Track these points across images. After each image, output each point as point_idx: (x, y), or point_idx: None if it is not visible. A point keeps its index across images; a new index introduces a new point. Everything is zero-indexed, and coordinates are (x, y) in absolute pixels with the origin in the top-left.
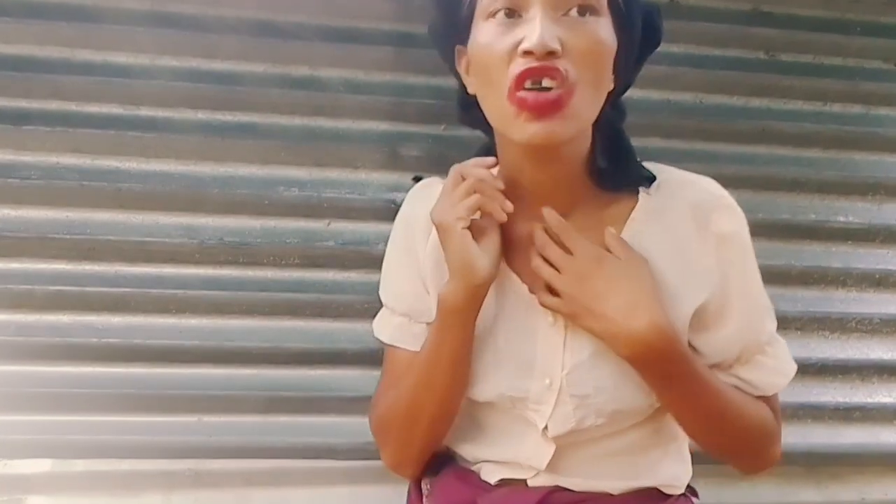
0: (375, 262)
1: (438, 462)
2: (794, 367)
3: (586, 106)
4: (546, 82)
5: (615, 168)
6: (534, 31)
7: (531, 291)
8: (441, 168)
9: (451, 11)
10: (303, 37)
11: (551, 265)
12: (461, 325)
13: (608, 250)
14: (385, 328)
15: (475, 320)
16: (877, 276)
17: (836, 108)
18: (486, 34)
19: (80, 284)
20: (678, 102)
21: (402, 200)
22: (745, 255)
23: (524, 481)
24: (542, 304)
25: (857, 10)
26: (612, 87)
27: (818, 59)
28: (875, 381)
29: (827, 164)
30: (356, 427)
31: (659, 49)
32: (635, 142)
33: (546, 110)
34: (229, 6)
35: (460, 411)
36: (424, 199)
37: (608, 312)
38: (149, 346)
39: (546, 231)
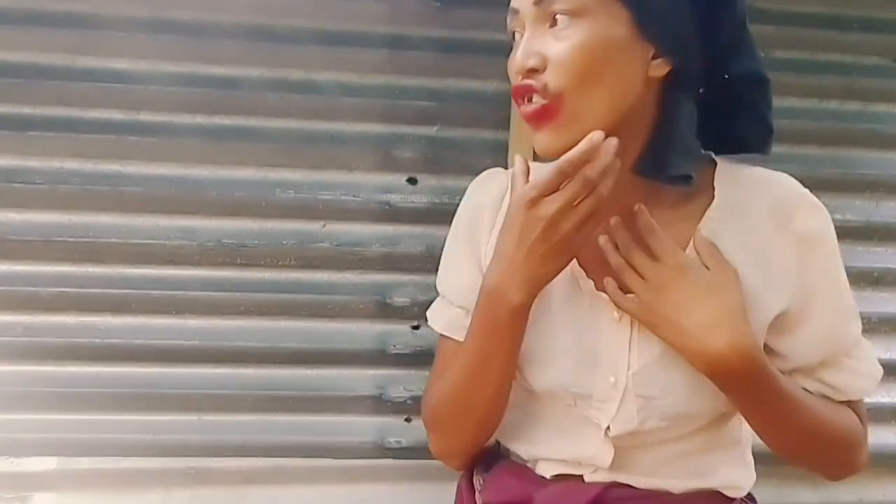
0: (370, 263)
1: (491, 458)
2: (881, 370)
3: (587, 109)
4: (535, 98)
5: (660, 162)
6: (520, 48)
7: (598, 288)
8: (435, 169)
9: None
10: (298, 41)
11: (633, 268)
12: (518, 323)
13: (695, 252)
14: (440, 318)
15: (528, 312)
16: (875, 274)
17: (834, 104)
18: (510, 56)
19: (83, 286)
20: None
21: (396, 201)
22: (828, 255)
23: (581, 476)
24: (619, 307)
25: (854, 6)
26: (661, 71)
27: (815, 56)
28: None
29: (824, 161)
30: (353, 426)
31: None
32: None
33: (537, 121)
34: (226, 12)
35: (516, 409)
36: (489, 190)
37: (689, 328)
38: (149, 346)
39: (623, 229)
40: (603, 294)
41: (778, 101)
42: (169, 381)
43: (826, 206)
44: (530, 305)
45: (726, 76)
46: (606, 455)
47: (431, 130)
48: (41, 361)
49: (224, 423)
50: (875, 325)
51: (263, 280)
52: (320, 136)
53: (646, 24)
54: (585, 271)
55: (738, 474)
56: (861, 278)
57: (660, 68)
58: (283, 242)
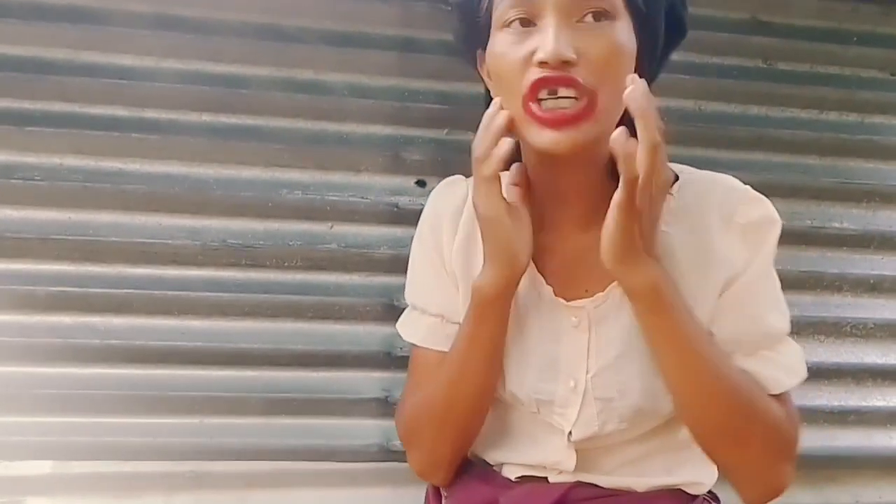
0: (378, 265)
1: (459, 468)
2: (804, 371)
3: (609, 111)
4: (563, 91)
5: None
6: (547, 40)
7: (556, 295)
8: (444, 172)
9: (470, 18)
10: (307, 41)
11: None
12: (498, 315)
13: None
14: (416, 330)
15: (509, 310)
16: (871, 281)
17: (833, 116)
18: (502, 44)
19: (83, 286)
20: (678, 109)
21: (405, 203)
22: (762, 243)
23: (545, 478)
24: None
25: (854, 21)
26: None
27: (815, 68)
28: (869, 384)
29: (823, 171)
30: (357, 429)
31: None
32: None
33: (559, 124)
34: (234, 10)
35: (489, 417)
36: (448, 196)
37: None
38: (150, 347)
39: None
40: (561, 300)
41: (779, 112)
42: (170, 384)
43: (823, 214)
44: (509, 297)
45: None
46: (570, 459)
47: (441, 133)
48: (38, 363)
49: (227, 426)
50: (871, 331)
51: (269, 281)
52: (329, 137)
53: (647, 38)
54: (545, 278)
55: (699, 472)
56: (858, 285)
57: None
58: (290, 243)
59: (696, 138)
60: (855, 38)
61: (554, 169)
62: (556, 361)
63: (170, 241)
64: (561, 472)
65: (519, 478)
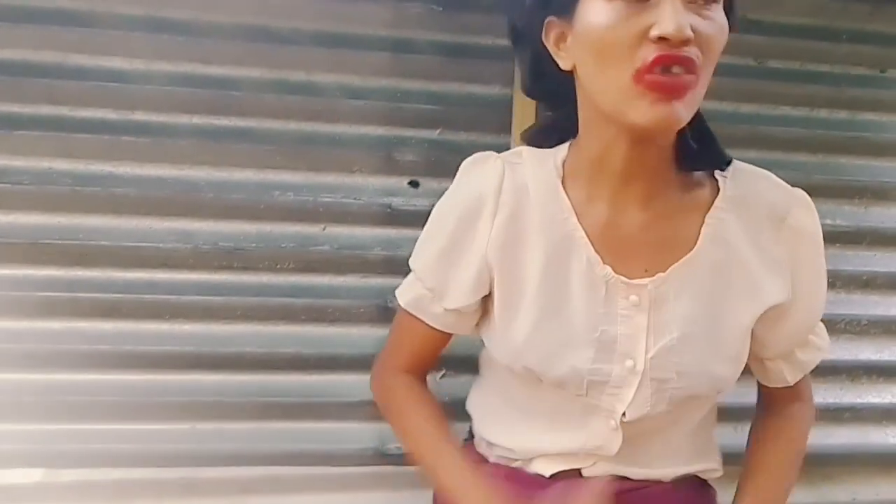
0: (371, 267)
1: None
2: (829, 339)
3: (702, 91)
4: (676, 69)
5: (702, 149)
6: (669, 17)
7: (616, 272)
8: (437, 172)
9: None
10: (299, 42)
11: None
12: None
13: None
14: (407, 293)
15: None
16: (864, 277)
17: (824, 113)
18: (609, 16)
19: (72, 290)
20: None
21: (398, 204)
22: (817, 254)
23: (578, 471)
24: None
25: (844, 19)
26: None
27: (806, 66)
28: (864, 381)
29: (815, 168)
30: (353, 433)
31: None
32: None
33: (677, 93)
34: (225, 12)
35: (508, 405)
36: (486, 174)
37: None
38: (141, 352)
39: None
40: (621, 277)
41: (770, 110)
42: (162, 389)
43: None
44: None
45: None
46: (614, 442)
47: (433, 134)
48: (27, 369)
49: (219, 432)
50: (865, 328)
51: (261, 284)
52: (321, 139)
53: (731, 21)
54: (601, 257)
55: (715, 457)
56: (851, 282)
57: None
58: (282, 245)
59: None
60: (845, 36)
61: (636, 147)
62: (614, 341)
63: (160, 245)
64: (596, 462)
65: (552, 475)
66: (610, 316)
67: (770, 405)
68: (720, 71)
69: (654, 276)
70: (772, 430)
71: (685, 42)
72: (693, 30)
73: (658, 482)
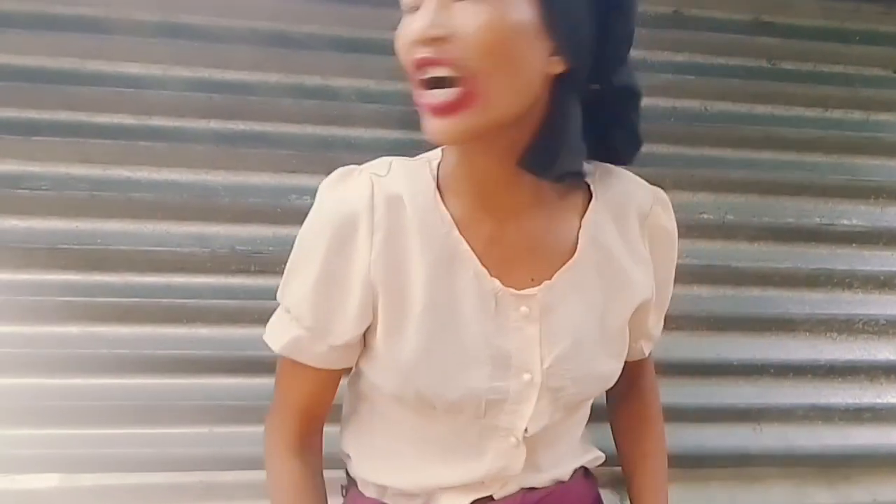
0: None
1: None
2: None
3: (499, 95)
4: (434, 71)
5: (545, 160)
6: (415, 19)
7: (505, 285)
8: None
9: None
10: (315, 47)
11: None
12: None
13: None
14: (281, 335)
15: None
16: (881, 277)
17: (837, 114)
18: (399, 28)
19: (90, 295)
20: (685, 109)
21: None
22: (673, 245)
23: (490, 497)
24: None
25: (856, 19)
26: (556, 69)
27: (819, 67)
28: (883, 381)
29: (830, 168)
30: None
31: (665, 58)
32: (644, 148)
33: (444, 112)
34: (241, 17)
35: (400, 440)
36: (354, 193)
37: None
38: (159, 356)
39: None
40: (510, 289)
41: (784, 111)
42: (179, 392)
43: (832, 211)
44: None
45: (607, 85)
46: (518, 460)
47: None
48: (45, 374)
49: (237, 435)
50: (883, 328)
51: (278, 287)
52: (337, 142)
53: (551, 15)
54: (488, 270)
55: (594, 446)
56: (868, 282)
57: (556, 66)
58: None
59: (703, 138)
60: (857, 37)
61: (464, 159)
62: (509, 356)
63: (178, 249)
64: (506, 484)
65: None
66: (502, 330)
67: (624, 381)
68: (733, 72)
69: (540, 284)
70: (636, 415)
71: (435, 41)
72: (455, 30)
73: (560, 482)
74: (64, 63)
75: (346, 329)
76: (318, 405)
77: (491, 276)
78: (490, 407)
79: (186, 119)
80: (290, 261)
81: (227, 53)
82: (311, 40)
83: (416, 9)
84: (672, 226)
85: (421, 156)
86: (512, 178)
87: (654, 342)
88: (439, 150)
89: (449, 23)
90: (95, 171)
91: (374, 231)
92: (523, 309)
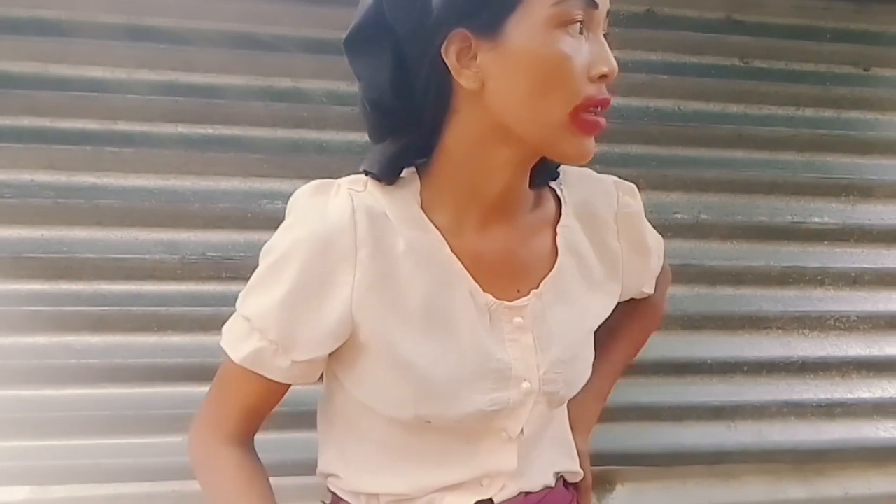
0: None
1: None
2: (661, 244)
3: None
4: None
5: (543, 165)
6: (609, 54)
7: (498, 298)
8: None
9: None
10: (284, 49)
11: None
12: None
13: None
14: (242, 347)
15: None
16: (852, 274)
17: (809, 112)
18: (561, 44)
19: (58, 304)
20: (658, 109)
21: None
22: (643, 217)
23: (490, 500)
24: None
25: (827, 18)
26: None
27: (791, 66)
28: (854, 377)
29: (802, 166)
30: None
31: (638, 57)
32: (617, 148)
33: (599, 132)
34: (208, 19)
35: (395, 452)
36: (334, 208)
37: None
38: (130, 365)
39: None
40: (504, 302)
41: (756, 110)
42: (151, 402)
43: (804, 209)
44: None
45: None
46: (513, 458)
47: None
48: (13, 385)
49: None
50: (854, 324)
51: None
52: (308, 146)
53: None
54: (481, 286)
55: (575, 456)
56: (839, 278)
57: None
58: None
59: (676, 137)
60: (829, 35)
61: (520, 170)
62: (509, 368)
63: (147, 256)
64: (504, 487)
65: None
66: (499, 343)
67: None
68: (706, 72)
69: (528, 294)
70: (636, 302)
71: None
72: None
73: (547, 488)
74: (26, 67)
75: (314, 346)
76: (256, 418)
77: (484, 290)
78: (489, 416)
79: (153, 123)
80: (258, 271)
81: (193, 56)
82: (280, 42)
83: (578, 29)
84: (638, 204)
85: (353, 177)
86: (524, 190)
87: (654, 278)
88: (410, 171)
89: None
90: (61, 178)
91: (358, 248)
92: (517, 320)
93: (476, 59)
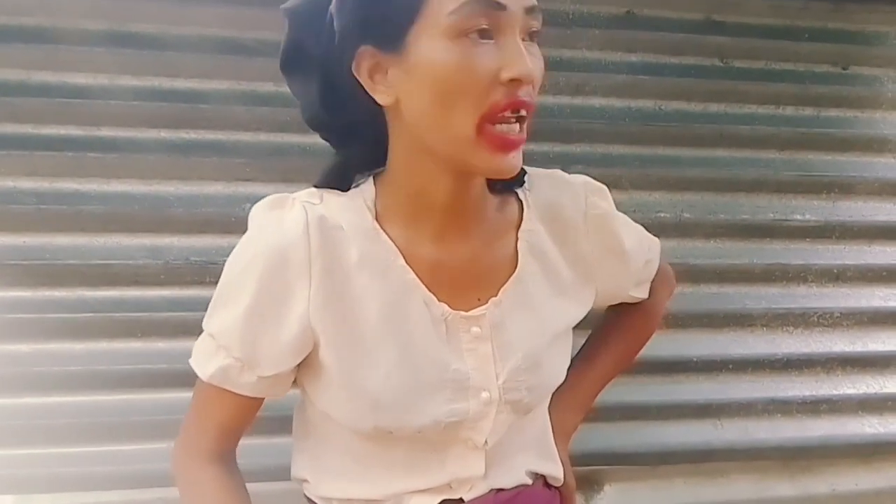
0: None
1: None
2: (657, 245)
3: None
4: (523, 111)
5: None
6: (519, 57)
7: (453, 308)
8: None
9: (377, 10)
10: (267, 53)
11: None
12: None
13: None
14: (208, 364)
15: None
16: (835, 270)
17: (789, 110)
18: (458, 56)
19: (40, 311)
20: (639, 109)
21: None
22: (615, 217)
23: (460, 499)
24: None
25: (806, 17)
26: None
27: (770, 65)
28: (839, 373)
29: (783, 164)
30: None
31: (619, 58)
32: (600, 148)
33: (514, 148)
34: (191, 24)
35: (362, 460)
36: (288, 223)
37: None
38: (113, 371)
39: None
40: (460, 312)
41: (737, 109)
42: (136, 408)
43: (786, 207)
44: None
45: None
46: (480, 466)
47: None
48: None
49: None
50: (837, 320)
51: None
52: (292, 150)
53: None
54: (438, 296)
55: (557, 460)
56: (822, 275)
57: None
58: None
59: (658, 137)
60: (807, 35)
61: (460, 180)
62: (466, 378)
63: (130, 262)
64: (472, 487)
65: None
66: (456, 353)
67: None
68: (686, 72)
69: (487, 302)
70: (635, 304)
71: (528, 83)
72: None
73: (524, 486)
74: (9, 74)
75: (277, 361)
76: (235, 431)
77: (439, 300)
78: (450, 428)
79: (136, 129)
80: (218, 288)
81: (176, 61)
82: (262, 46)
83: (487, 37)
84: (609, 205)
85: (309, 190)
86: (477, 200)
87: (648, 283)
88: (367, 182)
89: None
90: (43, 184)
91: (312, 261)
92: (475, 329)
93: (387, 74)
